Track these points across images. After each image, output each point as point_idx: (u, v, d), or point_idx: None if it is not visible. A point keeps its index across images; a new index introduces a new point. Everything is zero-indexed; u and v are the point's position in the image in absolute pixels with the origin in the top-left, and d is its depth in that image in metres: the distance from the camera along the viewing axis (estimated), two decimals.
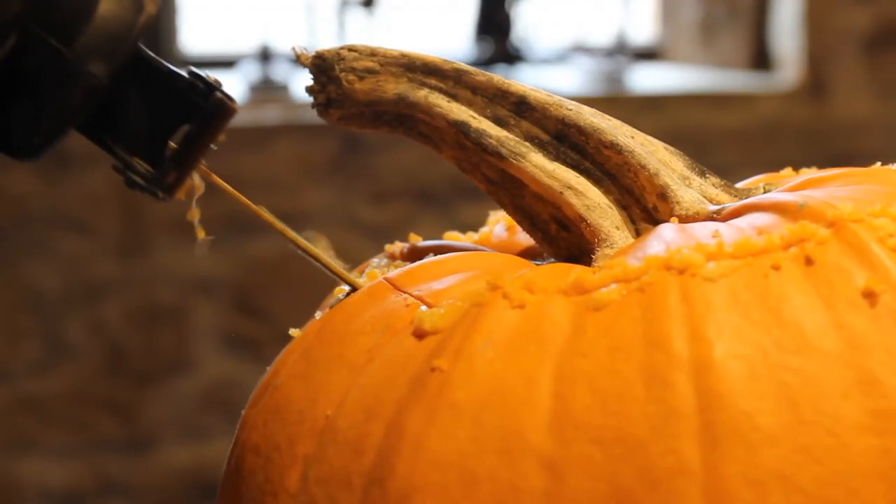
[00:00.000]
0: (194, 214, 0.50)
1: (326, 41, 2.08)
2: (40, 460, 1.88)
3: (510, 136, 0.50)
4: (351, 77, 0.50)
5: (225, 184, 0.50)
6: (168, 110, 0.48)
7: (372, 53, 0.50)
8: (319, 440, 0.45)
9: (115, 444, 1.89)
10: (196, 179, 0.48)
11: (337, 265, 0.51)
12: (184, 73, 0.48)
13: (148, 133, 0.48)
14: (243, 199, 0.50)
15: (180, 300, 1.87)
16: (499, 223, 0.58)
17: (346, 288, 0.51)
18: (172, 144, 0.47)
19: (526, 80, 1.43)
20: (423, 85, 0.51)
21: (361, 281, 0.51)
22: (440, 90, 0.50)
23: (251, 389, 0.50)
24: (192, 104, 0.47)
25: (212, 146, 0.48)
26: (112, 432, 1.89)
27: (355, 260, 0.58)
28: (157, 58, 0.48)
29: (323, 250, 0.52)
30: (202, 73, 0.48)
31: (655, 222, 0.50)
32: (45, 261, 1.84)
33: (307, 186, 1.88)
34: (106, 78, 0.46)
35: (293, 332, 0.52)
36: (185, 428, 1.90)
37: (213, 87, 0.47)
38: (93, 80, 0.45)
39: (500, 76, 0.51)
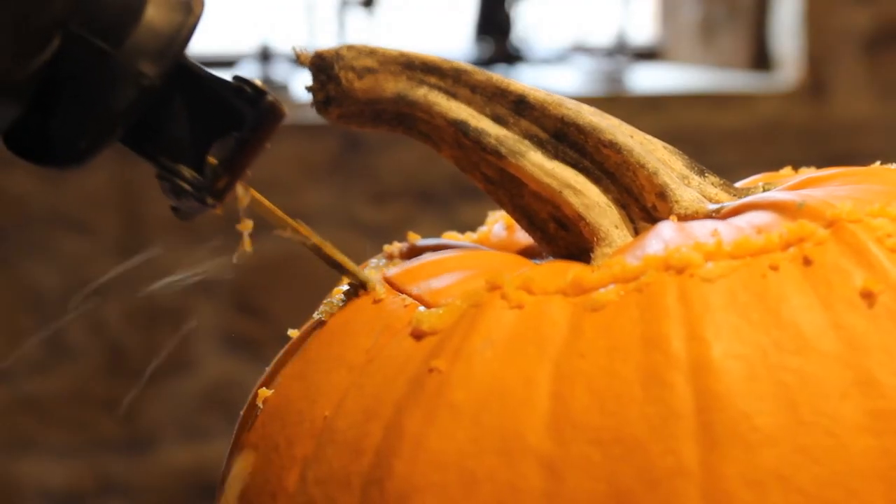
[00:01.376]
0: (247, 226, 0.48)
1: (326, 41, 2.07)
2: (40, 460, 1.88)
3: (509, 134, 0.50)
4: (350, 76, 0.50)
5: (260, 196, 0.48)
6: (211, 117, 0.46)
7: (371, 52, 0.50)
8: (318, 441, 0.45)
9: (115, 444, 1.89)
10: (240, 191, 0.47)
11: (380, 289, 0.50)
12: (228, 78, 0.47)
13: (190, 141, 0.46)
14: (278, 211, 0.49)
15: (180, 300, 1.87)
16: (498, 222, 0.58)
17: (345, 289, 0.51)
18: (212, 160, 0.46)
19: (526, 79, 1.43)
20: (423, 83, 0.50)
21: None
22: (439, 89, 0.50)
23: (251, 389, 0.50)
24: (236, 110, 0.46)
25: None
26: (112, 432, 1.89)
27: (355, 260, 0.58)
28: (198, 64, 0.47)
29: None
30: (249, 78, 0.47)
31: (654, 221, 0.50)
32: (45, 261, 1.84)
33: (307, 186, 1.88)
34: (157, 78, 0.45)
35: (291, 332, 0.52)
36: (185, 428, 1.90)
37: (263, 91, 0.46)
38: (144, 80, 0.44)
39: (500, 75, 0.51)
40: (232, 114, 0.46)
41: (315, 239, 0.50)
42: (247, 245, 0.49)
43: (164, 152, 0.46)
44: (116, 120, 0.45)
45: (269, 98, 0.46)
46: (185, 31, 0.45)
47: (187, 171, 0.46)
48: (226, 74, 0.47)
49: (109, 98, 0.45)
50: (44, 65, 0.44)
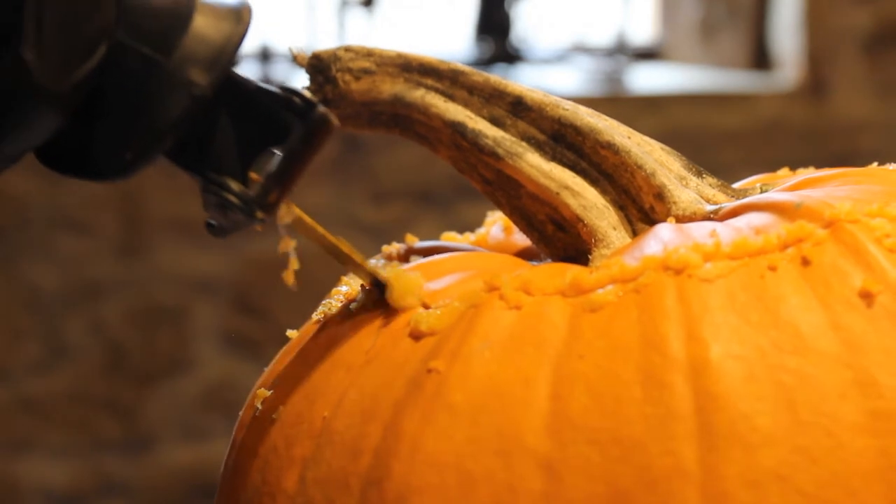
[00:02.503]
0: (288, 245, 0.47)
1: (326, 41, 2.07)
2: (40, 460, 1.88)
3: (507, 136, 0.50)
4: (347, 77, 0.50)
5: (301, 212, 0.47)
6: (258, 129, 0.45)
7: (368, 54, 0.50)
8: (317, 442, 0.45)
9: (115, 444, 1.89)
10: (283, 207, 0.45)
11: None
12: (275, 89, 0.45)
13: (237, 154, 0.45)
14: (320, 227, 0.47)
15: (180, 300, 1.87)
16: (496, 224, 0.58)
17: (344, 289, 0.51)
18: (255, 176, 0.44)
19: (526, 80, 1.43)
20: (420, 85, 0.50)
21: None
22: (437, 90, 0.50)
23: (251, 389, 0.50)
24: (284, 121, 0.45)
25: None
26: (112, 432, 1.89)
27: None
28: (244, 75, 0.45)
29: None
30: (297, 88, 0.45)
31: (652, 223, 0.50)
32: (45, 261, 1.84)
33: (307, 186, 1.87)
34: (208, 88, 0.43)
35: (290, 333, 0.52)
36: (185, 428, 1.90)
37: (313, 103, 0.44)
38: (195, 89, 0.43)
39: (497, 76, 0.51)
40: (279, 126, 0.45)
41: (357, 257, 0.49)
42: (293, 264, 0.47)
43: (210, 165, 0.45)
44: (166, 130, 0.43)
45: (320, 109, 0.45)
46: (235, 39, 0.44)
47: (235, 185, 0.44)
48: None
49: (159, 108, 0.43)
50: (90, 74, 0.42)
